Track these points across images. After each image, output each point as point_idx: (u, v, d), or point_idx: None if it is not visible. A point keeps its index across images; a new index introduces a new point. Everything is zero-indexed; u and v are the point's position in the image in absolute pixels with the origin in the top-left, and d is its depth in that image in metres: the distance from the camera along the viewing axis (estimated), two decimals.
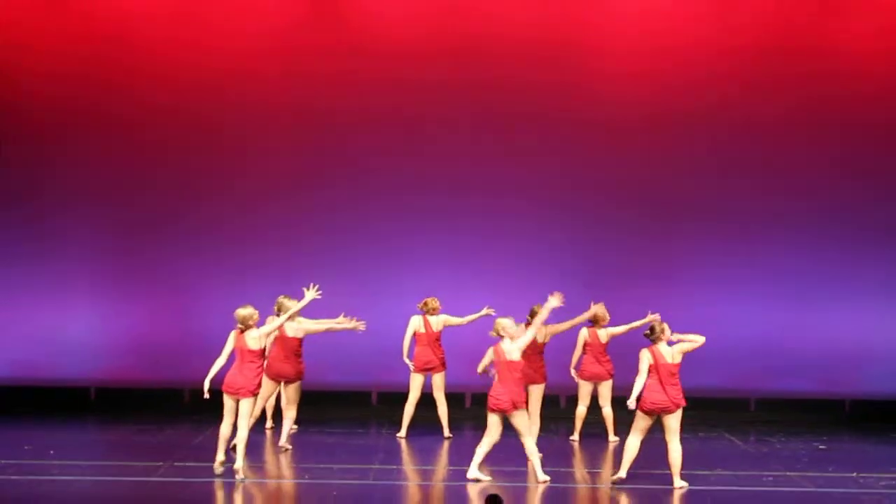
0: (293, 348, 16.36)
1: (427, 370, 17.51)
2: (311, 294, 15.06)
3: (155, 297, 20.37)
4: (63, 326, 20.29)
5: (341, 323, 16.21)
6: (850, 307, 20.30)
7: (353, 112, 20.38)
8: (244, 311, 14.78)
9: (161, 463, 15.22)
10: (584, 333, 17.40)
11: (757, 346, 20.26)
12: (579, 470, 15.97)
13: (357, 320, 16.15)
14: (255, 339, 14.71)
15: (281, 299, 15.87)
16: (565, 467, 15.78)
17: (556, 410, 19.50)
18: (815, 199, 20.41)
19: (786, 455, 16.61)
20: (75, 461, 15.48)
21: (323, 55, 20.37)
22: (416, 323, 17.57)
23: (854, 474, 15.20)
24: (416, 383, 17.54)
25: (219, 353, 14.57)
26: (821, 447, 17.32)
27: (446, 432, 17.57)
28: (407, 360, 17.50)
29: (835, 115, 20.38)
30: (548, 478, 14.50)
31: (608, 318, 17.31)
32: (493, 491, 13.69)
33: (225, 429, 14.69)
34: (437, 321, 17.52)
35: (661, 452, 14.46)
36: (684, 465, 14.37)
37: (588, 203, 20.40)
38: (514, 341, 14.70)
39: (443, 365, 17.51)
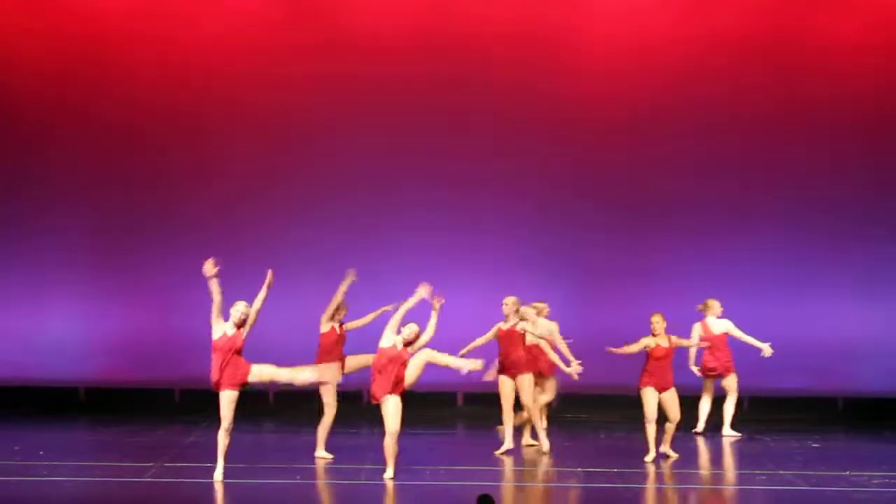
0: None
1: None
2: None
3: (146, 295, 20.30)
4: (53, 326, 20.21)
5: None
6: (842, 304, 20.26)
7: (333, 110, 20.34)
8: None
9: (152, 463, 15.14)
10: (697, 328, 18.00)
11: (749, 344, 20.18)
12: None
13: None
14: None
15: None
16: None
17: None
18: (803, 195, 20.38)
19: (779, 453, 16.57)
20: (65, 462, 15.38)
21: (302, 53, 20.33)
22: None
23: (846, 472, 15.16)
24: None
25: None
26: (814, 445, 17.29)
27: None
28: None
29: (818, 112, 20.36)
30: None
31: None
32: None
33: None
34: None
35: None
36: (677, 465, 14.26)
37: (571, 202, 20.35)
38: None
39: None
